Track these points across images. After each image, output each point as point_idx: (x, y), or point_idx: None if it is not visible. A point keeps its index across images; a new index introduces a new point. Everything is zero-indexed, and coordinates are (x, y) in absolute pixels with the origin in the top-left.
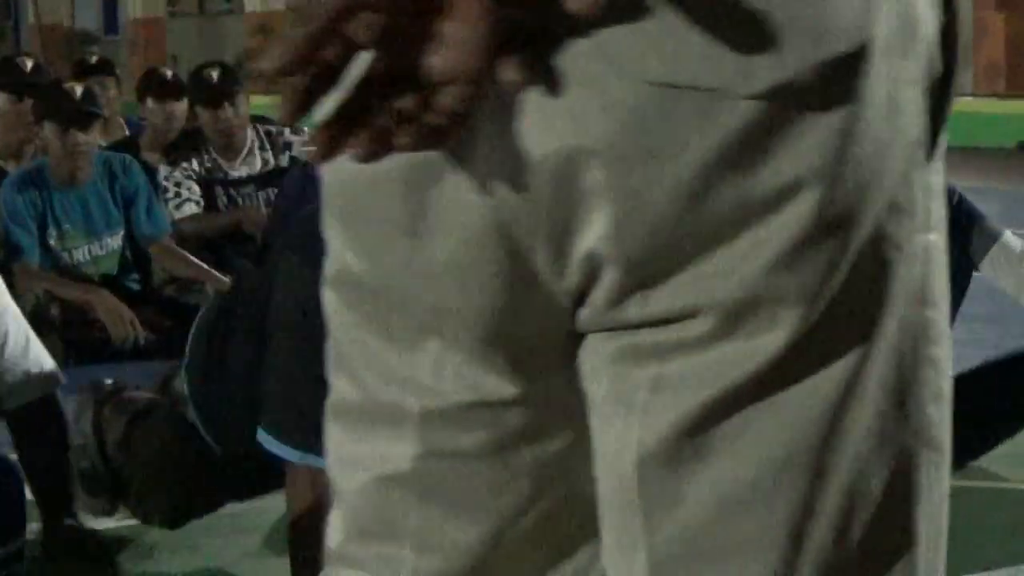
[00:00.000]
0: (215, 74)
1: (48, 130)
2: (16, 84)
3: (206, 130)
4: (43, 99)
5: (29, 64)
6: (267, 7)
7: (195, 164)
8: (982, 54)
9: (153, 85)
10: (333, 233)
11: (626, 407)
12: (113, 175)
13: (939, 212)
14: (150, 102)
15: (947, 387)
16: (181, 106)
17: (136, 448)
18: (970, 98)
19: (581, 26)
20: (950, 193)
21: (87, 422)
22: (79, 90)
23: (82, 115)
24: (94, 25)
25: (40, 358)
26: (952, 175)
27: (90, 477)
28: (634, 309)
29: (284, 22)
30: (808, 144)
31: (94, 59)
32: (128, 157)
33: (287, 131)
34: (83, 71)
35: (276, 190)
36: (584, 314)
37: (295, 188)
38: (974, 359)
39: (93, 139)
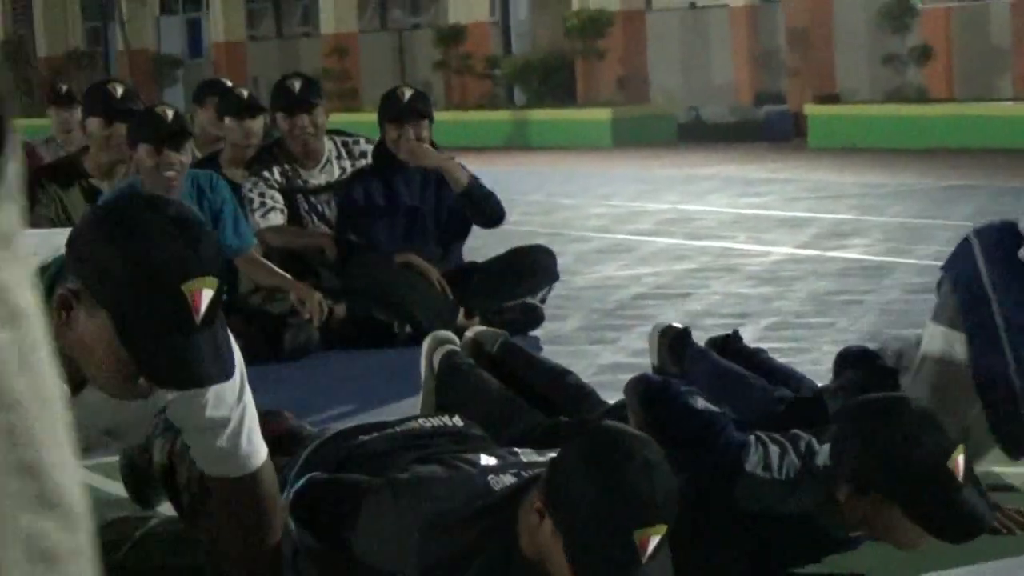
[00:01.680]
0: (297, 84)
1: (142, 151)
2: (107, 109)
3: (285, 137)
4: (137, 123)
5: (119, 90)
6: (341, 29)
7: (276, 174)
8: (1021, 59)
9: (231, 104)
10: None
11: None
12: (201, 191)
13: (15, 307)
14: (228, 120)
15: (54, 489)
16: (257, 123)
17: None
18: (1011, 103)
19: None
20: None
21: (163, 450)
22: (170, 113)
23: (174, 135)
24: (179, 50)
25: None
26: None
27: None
28: None
29: (357, 43)
30: None
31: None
32: (214, 174)
33: (363, 140)
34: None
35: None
36: None
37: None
38: None
39: (186, 158)
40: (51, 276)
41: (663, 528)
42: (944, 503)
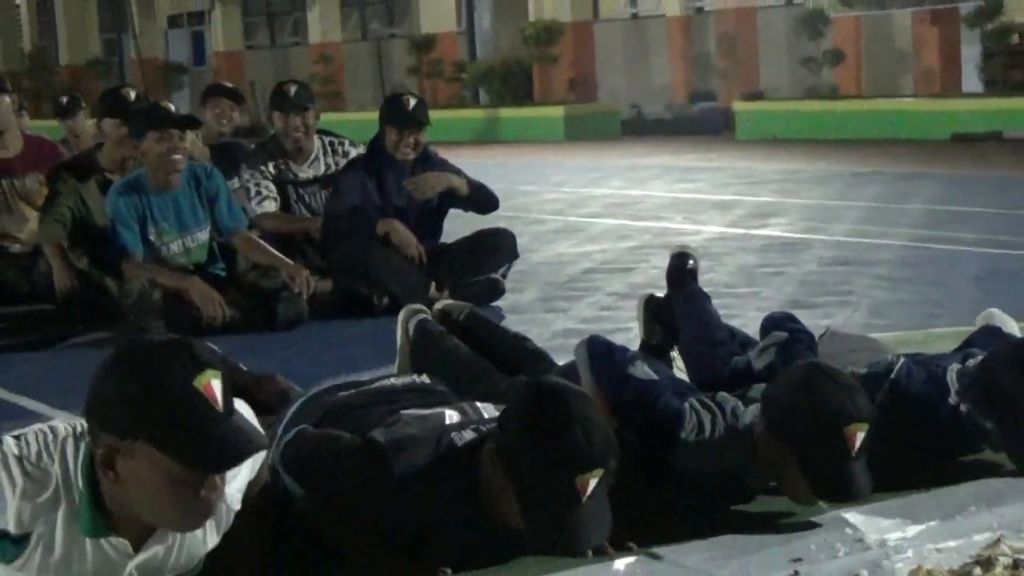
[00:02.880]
0: (293, 89)
1: (150, 138)
2: (122, 111)
3: (279, 134)
4: (143, 115)
5: (132, 94)
6: (327, 39)
7: (270, 167)
8: (922, 62)
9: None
10: None
11: None
12: (198, 180)
13: None
14: (208, 113)
15: None
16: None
17: None
18: (911, 99)
19: None
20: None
21: None
22: (172, 106)
23: (179, 120)
24: (185, 58)
25: None
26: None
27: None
28: None
29: (341, 51)
30: None
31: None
32: (208, 164)
33: (347, 142)
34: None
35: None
36: None
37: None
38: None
39: (186, 146)
40: (77, 443)
41: (599, 472)
42: (831, 466)
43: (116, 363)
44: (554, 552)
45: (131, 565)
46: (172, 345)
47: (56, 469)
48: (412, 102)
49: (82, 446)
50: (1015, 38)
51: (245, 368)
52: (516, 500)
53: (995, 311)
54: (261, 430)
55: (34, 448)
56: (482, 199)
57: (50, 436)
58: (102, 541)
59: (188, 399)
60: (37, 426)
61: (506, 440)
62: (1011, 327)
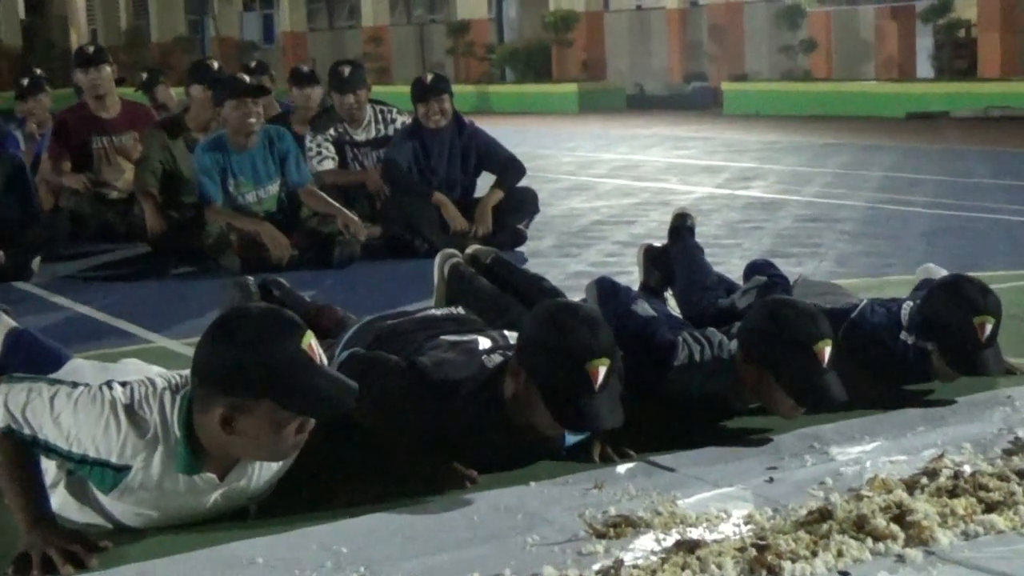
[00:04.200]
0: (347, 70)
1: (228, 106)
2: (208, 78)
3: (337, 108)
4: (224, 85)
5: (216, 64)
6: (377, 23)
7: (331, 131)
8: (883, 50)
9: (297, 77)
10: None
11: None
12: (271, 140)
13: None
14: (295, 90)
15: None
16: (317, 91)
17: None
18: (874, 82)
19: None
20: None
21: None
22: (247, 78)
23: (253, 88)
24: (257, 37)
25: None
26: (857, 137)
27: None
28: None
29: (388, 34)
30: None
31: (254, 63)
32: (281, 128)
33: (395, 111)
34: (248, 71)
35: (385, 150)
36: None
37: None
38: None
39: (261, 110)
40: (186, 398)
41: (607, 361)
42: (805, 378)
43: (227, 335)
44: (573, 429)
45: (216, 494)
46: (271, 315)
47: (155, 416)
48: (429, 77)
49: (178, 398)
50: (961, 32)
51: (308, 299)
52: (540, 396)
53: (931, 265)
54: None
55: (137, 397)
56: (514, 183)
57: (150, 388)
58: (194, 476)
59: (301, 361)
60: (140, 377)
61: (526, 344)
62: (940, 273)
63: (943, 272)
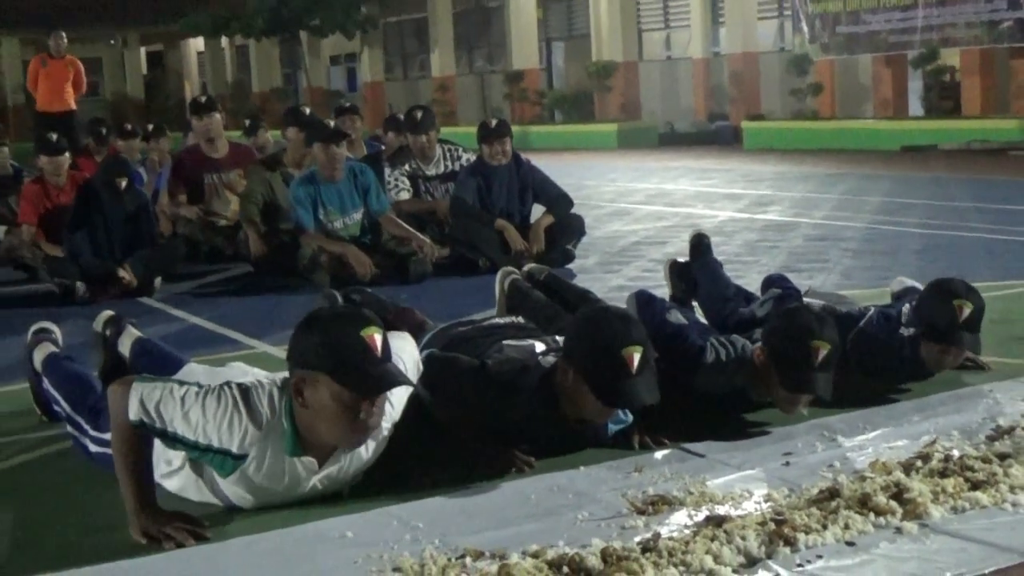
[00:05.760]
0: (419, 114)
1: (317, 148)
2: (301, 122)
3: (411, 147)
4: (312, 129)
5: (307, 110)
6: (444, 73)
7: (407, 167)
8: (879, 93)
9: (389, 124)
10: None
11: None
12: (355, 175)
13: None
14: (391, 135)
15: None
16: (392, 137)
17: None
18: (872, 120)
19: None
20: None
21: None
22: (332, 123)
23: (335, 134)
24: (342, 86)
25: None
26: (858, 168)
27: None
28: None
29: (455, 83)
30: None
31: (347, 104)
32: (364, 165)
33: (461, 149)
34: (340, 112)
35: (454, 184)
36: None
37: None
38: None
39: (343, 151)
40: (280, 392)
41: (640, 347)
42: (799, 374)
43: (310, 322)
44: (618, 407)
45: (315, 478)
46: (346, 309)
47: (266, 410)
48: (494, 122)
49: (284, 394)
50: (947, 76)
51: (391, 305)
52: (586, 385)
53: (902, 277)
54: (410, 376)
55: (252, 395)
56: (565, 214)
57: (261, 387)
58: (296, 460)
59: (356, 344)
60: (249, 378)
61: (571, 344)
62: (912, 283)
63: (912, 283)
